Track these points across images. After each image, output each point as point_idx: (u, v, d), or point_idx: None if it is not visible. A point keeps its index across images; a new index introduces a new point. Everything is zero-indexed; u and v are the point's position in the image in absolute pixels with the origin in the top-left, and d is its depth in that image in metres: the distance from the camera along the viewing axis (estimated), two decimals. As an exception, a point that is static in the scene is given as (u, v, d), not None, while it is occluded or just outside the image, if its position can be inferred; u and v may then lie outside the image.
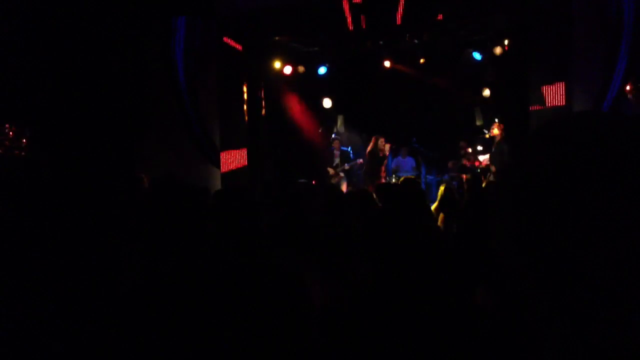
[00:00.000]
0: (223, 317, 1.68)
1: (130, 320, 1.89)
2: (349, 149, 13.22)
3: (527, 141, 0.81)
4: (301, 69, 12.84)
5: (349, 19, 10.44)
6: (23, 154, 6.90)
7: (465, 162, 11.81)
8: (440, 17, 10.49)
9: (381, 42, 12.14)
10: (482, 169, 11.17)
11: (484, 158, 11.41)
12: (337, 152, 12.77)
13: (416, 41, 11.92)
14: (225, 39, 10.53)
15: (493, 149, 10.41)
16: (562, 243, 0.69)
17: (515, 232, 0.75)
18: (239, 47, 10.91)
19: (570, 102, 8.88)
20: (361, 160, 12.99)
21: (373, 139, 11.81)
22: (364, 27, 10.49)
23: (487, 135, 11.11)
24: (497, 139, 10.31)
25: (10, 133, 6.88)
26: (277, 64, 12.35)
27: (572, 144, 0.72)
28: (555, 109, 9.11)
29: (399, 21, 10.23)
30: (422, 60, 12.48)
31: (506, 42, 11.24)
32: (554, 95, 9.28)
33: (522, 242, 0.73)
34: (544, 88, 9.40)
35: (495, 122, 10.76)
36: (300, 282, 1.88)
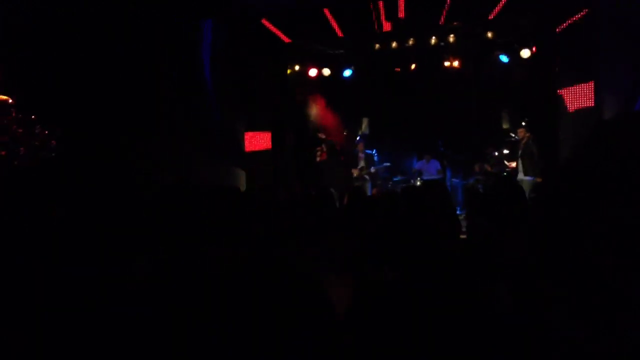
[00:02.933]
0: (238, 317, 1.68)
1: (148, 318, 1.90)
2: (374, 151, 13.17)
3: (589, 138, 0.79)
4: (326, 71, 12.86)
5: (377, 20, 10.49)
6: (53, 154, 7.02)
7: (487, 167, 11.70)
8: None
9: (408, 44, 12.08)
10: (508, 172, 11.05)
11: (509, 162, 11.28)
12: (361, 155, 12.75)
13: (442, 43, 11.83)
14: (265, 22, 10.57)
15: (520, 152, 10.29)
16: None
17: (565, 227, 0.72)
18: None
19: (600, 105, 8.73)
20: (388, 164, 13.00)
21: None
22: (389, 29, 10.51)
23: (514, 137, 10.98)
24: (524, 141, 10.20)
25: (40, 133, 7.01)
26: (302, 67, 12.39)
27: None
28: (582, 111, 8.99)
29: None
30: (447, 63, 12.38)
31: (534, 48, 11.12)
32: (582, 97, 9.14)
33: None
34: (572, 89, 9.28)
35: (522, 125, 10.64)
36: (318, 285, 1.87)
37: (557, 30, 9.79)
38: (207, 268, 2.08)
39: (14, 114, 6.74)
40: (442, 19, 10.57)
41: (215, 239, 2.57)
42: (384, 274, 2.86)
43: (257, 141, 11.00)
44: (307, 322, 1.78)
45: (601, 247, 0.66)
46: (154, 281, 1.97)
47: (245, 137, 10.70)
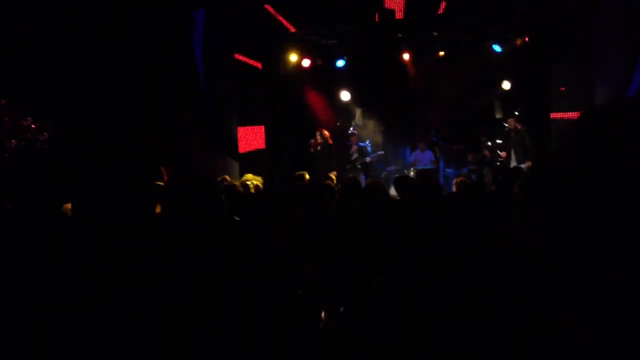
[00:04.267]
0: (233, 301, 1.69)
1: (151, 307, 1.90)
2: (367, 142, 13.17)
3: (578, 124, 0.78)
4: (318, 61, 12.82)
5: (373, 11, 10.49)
6: (45, 146, 6.99)
7: (486, 153, 11.71)
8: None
9: (400, 35, 12.05)
10: (502, 161, 11.07)
11: (503, 152, 11.31)
12: (354, 147, 12.73)
13: (435, 34, 11.82)
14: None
15: (511, 141, 10.31)
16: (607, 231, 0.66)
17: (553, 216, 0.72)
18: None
19: (592, 95, 8.76)
20: (382, 152, 12.99)
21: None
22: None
23: (506, 127, 11.01)
24: (515, 130, 10.23)
25: (32, 126, 6.97)
26: (295, 57, 12.34)
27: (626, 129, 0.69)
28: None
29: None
30: (441, 53, 12.37)
31: (526, 36, 11.13)
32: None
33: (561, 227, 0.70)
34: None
35: (513, 115, 10.68)
36: (300, 270, 1.87)
37: (552, 19, 9.79)
38: (205, 264, 2.07)
39: (4, 103, 6.70)
40: (440, 9, 10.53)
41: (213, 236, 2.57)
42: (384, 275, 2.87)
43: (251, 138, 10.95)
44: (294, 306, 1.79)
45: (600, 245, 0.65)
46: (160, 280, 1.97)
47: (239, 133, 10.65)
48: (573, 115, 9.07)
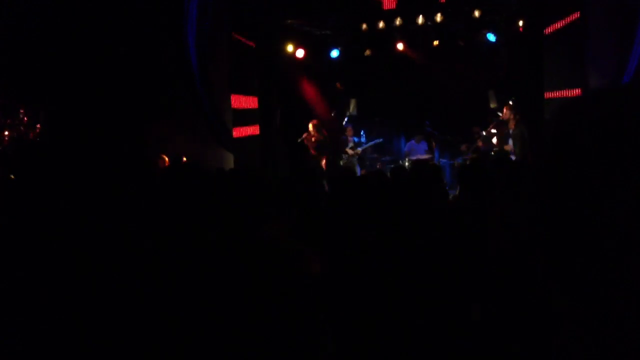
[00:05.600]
0: (230, 291, 1.68)
1: (142, 299, 1.90)
2: (362, 133, 13.16)
3: (571, 113, 0.76)
4: (312, 52, 12.78)
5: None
6: (37, 138, 6.95)
7: (480, 143, 11.69)
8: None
9: (395, 24, 12.02)
10: (496, 152, 11.05)
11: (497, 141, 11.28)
12: (350, 139, 12.70)
13: (429, 23, 11.78)
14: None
15: (511, 132, 10.25)
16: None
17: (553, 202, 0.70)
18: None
19: (586, 85, 8.76)
20: (381, 140, 12.99)
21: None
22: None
23: (501, 117, 10.97)
24: (512, 122, 10.17)
25: (25, 118, 6.94)
26: (289, 48, 12.29)
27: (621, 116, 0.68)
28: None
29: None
30: (435, 43, 12.33)
31: (520, 22, 11.11)
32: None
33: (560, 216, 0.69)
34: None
35: (508, 104, 10.64)
36: (299, 258, 1.87)
37: (545, 8, 9.79)
38: (204, 259, 2.07)
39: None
40: None
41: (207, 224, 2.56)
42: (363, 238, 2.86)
43: (246, 131, 10.92)
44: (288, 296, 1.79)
45: (599, 243, 0.64)
46: (156, 274, 1.96)
47: (234, 131, 10.61)
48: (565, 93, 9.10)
